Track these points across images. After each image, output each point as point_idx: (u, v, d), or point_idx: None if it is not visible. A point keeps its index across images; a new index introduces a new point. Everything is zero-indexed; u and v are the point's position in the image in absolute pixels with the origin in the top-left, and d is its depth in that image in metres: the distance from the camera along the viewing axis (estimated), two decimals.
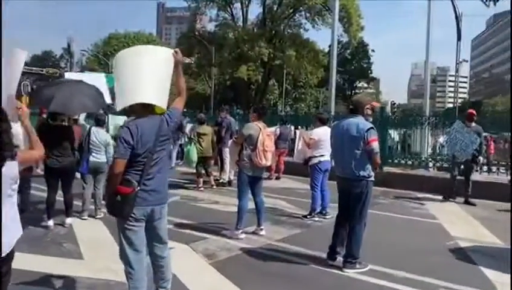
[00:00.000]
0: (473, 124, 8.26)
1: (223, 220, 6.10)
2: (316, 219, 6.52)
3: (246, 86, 39.23)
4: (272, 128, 9.75)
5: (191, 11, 42.47)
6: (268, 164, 5.41)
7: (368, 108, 4.43)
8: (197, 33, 41.00)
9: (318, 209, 6.61)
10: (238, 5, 39.17)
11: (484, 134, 8.98)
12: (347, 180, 4.37)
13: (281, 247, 5.13)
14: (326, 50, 41.94)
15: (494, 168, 9.63)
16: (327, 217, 6.56)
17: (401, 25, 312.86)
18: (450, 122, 9.37)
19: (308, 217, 6.57)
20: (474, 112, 8.68)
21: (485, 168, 9.69)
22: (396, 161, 10.68)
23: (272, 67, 39.21)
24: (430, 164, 10.28)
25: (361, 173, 4.25)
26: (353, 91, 64.12)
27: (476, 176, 8.91)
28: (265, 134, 5.29)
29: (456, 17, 24.44)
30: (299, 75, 41.54)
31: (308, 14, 38.23)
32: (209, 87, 41.69)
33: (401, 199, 8.59)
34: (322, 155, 6.47)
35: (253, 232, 5.58)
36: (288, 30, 39.86)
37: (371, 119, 4.53)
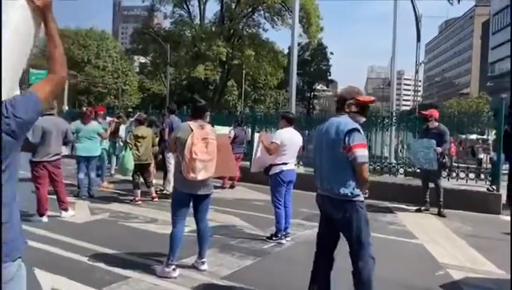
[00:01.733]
0: (436, 123, 7.44)
1: (156, 247, 4.73)
2: (283, 241, 5.32)
3: (203, 86, 37.74)
4: (226, 130, 8.38)
5: (146, 7, 40.47)
6: (199, 178, 3.92)
7: (351, 103, 3.13)
8: (151, 30, 38.98)
9: (283, 229, 5.39)
10: (195, 2, 37.73)
11: None
12: (325, 199, 3.18)
13: (227, 287, 3.86)
14: (286, 51, 41.33)
15: (462, 175, 8.81)
16: (288, 239, 5.37)
17: (357, 28, 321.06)
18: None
19: (274, 238, 5.34)
20: (424, 112, 7.96)
21: (452, 172, 8.95)
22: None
23: (231, 67, 37.99)
24: (401, 170, 9.36)
25: (342, 190, 3.01)
26: (312, 93, 64.24)
27: (448, 184, 8.13)
28: (197, 137, 3.90)
29: (416, 18, 24.18)
30: (258, 76, 40.68)
31: (267, 14, 37.41)
32: (165, 87, 39.73)
33: (372, 211, 7.52)
34: (285, 163, 5.21)
35: (193, 266, 4.26)
36: (247, 29, 38.80)
37: (362, 120, 3.18)
